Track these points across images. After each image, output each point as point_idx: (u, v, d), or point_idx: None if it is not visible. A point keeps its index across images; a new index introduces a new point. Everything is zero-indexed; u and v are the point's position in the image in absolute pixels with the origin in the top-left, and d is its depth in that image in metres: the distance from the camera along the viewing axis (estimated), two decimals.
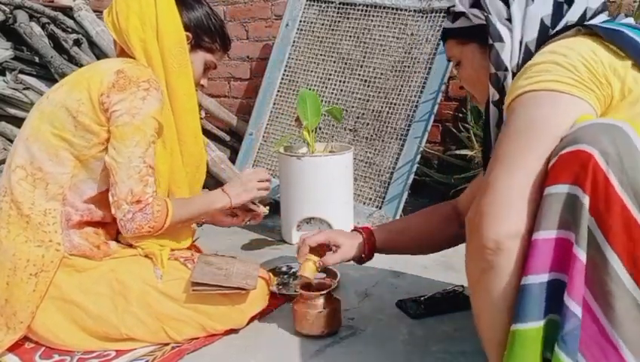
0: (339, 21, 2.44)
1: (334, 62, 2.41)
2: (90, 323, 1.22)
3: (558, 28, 0.93)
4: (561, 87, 0.82)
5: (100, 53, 2.92)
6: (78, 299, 1.22)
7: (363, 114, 2.28)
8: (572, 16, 0.93)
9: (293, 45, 2.51)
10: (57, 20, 3.00)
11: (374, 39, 2.34)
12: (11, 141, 2.82)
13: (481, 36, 1.01)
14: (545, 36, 0.94)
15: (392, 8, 2.32)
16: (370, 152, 2.21)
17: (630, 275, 0.73)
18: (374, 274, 1.64)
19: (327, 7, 2.47)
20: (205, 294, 1.25)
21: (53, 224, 1.22)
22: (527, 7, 0.95)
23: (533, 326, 0.77)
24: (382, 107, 2.23)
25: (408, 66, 2.23)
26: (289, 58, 2.50)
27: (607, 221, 0.72)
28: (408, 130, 2.13)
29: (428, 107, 2.11)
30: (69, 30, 3.00)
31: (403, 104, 2.19)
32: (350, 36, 2.39)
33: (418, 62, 2.21)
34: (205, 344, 1.26)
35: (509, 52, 0.96)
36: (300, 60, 2.48)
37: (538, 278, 0.76)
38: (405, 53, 2.25)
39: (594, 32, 0.85)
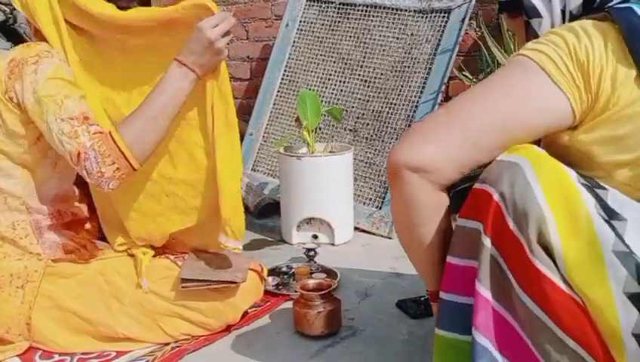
0: (339, 21, 2.44)
1: (334, 62, 2.41)
2: (87, 327, 1.23)
3: None
4: (553, 72, 0.80)
5: None
6: (71, 306, 1.22)
7: (363, 114, 2.28)
8: None
9: (293, 45, 2.51)
10: None
11: (374, 39, 2.34)
12: None
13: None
14: (591, 2, 0.90)
15: (392, 8, 2.32)
16: (370, 152, 2.21)
17: (528, 295, 0.76)
18: (374, 274, 1.64)
19: (327, 7, 2.47)
20: (195, 290, 1.24)
21: (26, 236, 1.21)
22: None
23: (451, 336, 0.85)
24: (382, 107, 2.23)
25: (408, 66, 2.23)
26: (289, 58, 2.50)
27: (505, 251, 0.77)
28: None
29: (428, 107, 2.11)
30: None
31: (403, 104, 2.19)
32: (350, 36, 2.39)
33: (418, 62, 2.21)
34: (205, 344, 1.27)
35: (548, 26, 0.92)
36: (300, 60, 2.48)
37: (452, 297, 0.84)
38: (405, 53, 2.25)
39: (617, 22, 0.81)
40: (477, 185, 0.81)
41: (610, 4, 0.87)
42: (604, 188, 0.79)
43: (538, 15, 0.93)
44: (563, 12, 0.92)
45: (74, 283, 1.23)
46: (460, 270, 0.83)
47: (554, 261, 0.74)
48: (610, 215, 0.76)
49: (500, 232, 0.77)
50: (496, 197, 0.77)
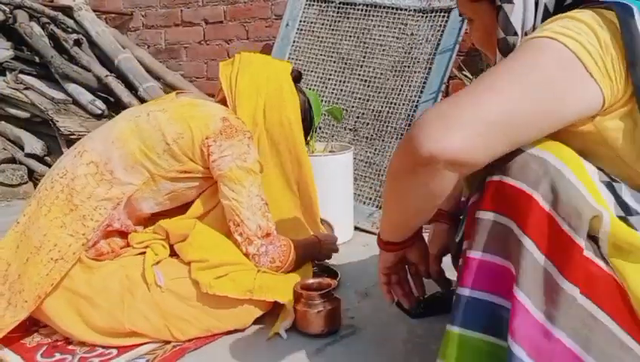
0: (339, 21, 2.44)
1: (334, 62, 2.41)
2: (95, 318, 1.23)
3: None
4: (588, 63, 0.75)
5: (100, 53, 2.93)
6: (86, 292, 1.23)
7: (363, 114, 2.28)
8: None
9: (293, 45, 2.51)
10: (57, 20, 3.01)
11: (374, 39, 2.34)
12: (11, 141, 2.82)
13: None
14: None
15: (392, 8, 2.33)
16: (370, 152, 2.21)
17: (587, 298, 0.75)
18: (374, 273, 1.64)
19: (327, 7, 2.48)
20: (217, 295, 1.25)
21: (96, 221, 1.26)
22: None
23: (469, 335, 0.80)
24: (382, 107, 2.24)
25: (408, 66, 2.23)
26: (289, 58, 2.50)
27: (560, 257, 0.74)
28: (408, 130, 2.13)
29: (428, 107, 2.11)
30: (69, 30, 3.00)
31: (403, 104, 2.19)
32: (350, 36, 2.40)
33: (418, 62, 2.21)
34: (206, 343, 1.27)
35: (520, 13, 0.87)
36: (300, 60, 2.49)
37: (475, 293, 0.79)
38: (405, 53, 2.26)
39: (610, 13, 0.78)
40: (508, 181, 0.76)
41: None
42: (618, 182, 0.80)
43: (511, 1, 0.86)
44: (536, 2, 0.87)
45: (97, 274, 1.25)
46: (488, 266, 0.79)
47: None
48: (627, 210, 0.77)
49: (551, 238, 0.74)
50: (540, 201, 0.74)
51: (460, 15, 1.10)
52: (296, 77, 1.56)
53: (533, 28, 0.88)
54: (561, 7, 0.86)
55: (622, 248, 0.76)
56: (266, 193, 1.40)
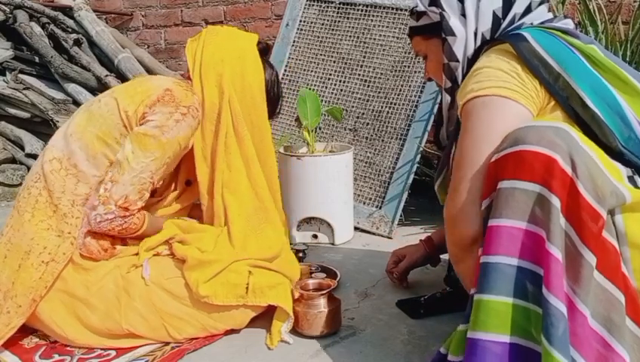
0: (339, 21, 2.44)
1: (334, 62, 2.41)
2: (92, 320, 1.23)
3: (508, 18, 1.06)
4: (508, 94, 0.93)
5: (100, 53, 2.93)
6: (82, 294, 1.22)
7: (363, 114, 2.28)
8: (519, 8, 1.05)
9: (293, 45, 2.51)
10: (57, 20, 3.01)
11: (374, 39, 2.34)
12: (11, 141, 2.82)
13: (441, 31, 1.11)
14: (497, 25, 1.06)
15: (392, 8, 2.32)
16: (370, 152, 2.21)
17: (600, 273, 0.80)
18: (374, 274, 1.64)
19: (327, 7, 2.47)
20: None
21: (77, 218, 1.24)
22: (480, 2, 1.07)
23: (499, 299, 0.82)
24: (382, 107, 2.23)
25: (408, 66, 2.23)
26: (289, 58, 2.50)
27: (580, 221, 0.78)
28: (408, 130, 2.13)
29: (428, 107, 2.11)
30: (69, 30, 3.00)
31: (403, 104, 2.19)
32: (350, 36, 2.39)
33: (418, 62, 2.21)
34: (205, 344, 1.26)
35: (462, 44, 1.07)
36: (300, 60, 2.48)
37: (506, 260, 0.82)
38: (405, 53, 2.25)
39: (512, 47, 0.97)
40: (524, 147, 0.82)
41: (509, 30, 1.05)
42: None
43: (453, 34, 1.07)
44: (475, 33, 1.08)
45: (92, 275, 1.24)
46: (507, 230, 0.82)
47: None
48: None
49: (572, 204, 0.78)
50: (562, 163, 0.79)
51: (416, 55, 1.29)
52: (263, 49, 1.50)
53: (474, 53, 1.07)
54: (493, 35, 1.06)
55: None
56: (237, 159, 1.39)
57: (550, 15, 1.08)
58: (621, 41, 1.84)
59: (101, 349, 1.25)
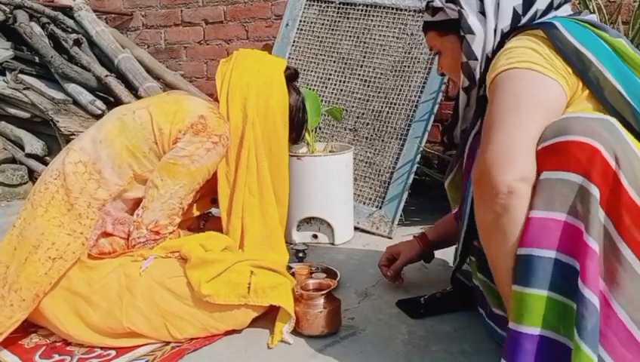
0: (339, 21, 2.44)
1: (334, 62, 2.41)
2: (94, 318, 1.23)
3: (529, 14, 1.03)
4: (540, 69, 0.91)
5: (100, 53, 2.93)
6: (84, 291, 1.23)
7: (363, 114, 2.28)
8: (541, 4, 1.04)
9: (293, 45, 2.51)
10: (57, 20, 3.01)
11: (374, 39, 2.33)
12: (11, 141, 2.82)
13: (458, 28, 1.09)
14: (517, 22, 1.05)
15: (392, 8, 2.32)
16: (370, 152, 2.21)
17: None
18: (374, 274, 1.64)
19: (327, 7, 2.47)
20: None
21: (92, 219, 1.26)
22: (500, 0, 1.05)
23: (537, 293, 0.80)
24: (382, 107, 2.23)
25: (408, 66, 2.22)
26: (289, 58, 2.50)
27: (619, 215, 0.76)
28: (408, 130, 2.13)
29: (428, 107, 2.11)
30: (69, 30, 3.00)
31: (403, 104, 2.19)
32: (350, 36, 2.39)
33: (418, 62, 2.21)
34: (206, 344, 1.26)
35: (481, 42, 1.06)
36: (300, 60, 2.48)
37: (544, 252, 0.80)
38: (405, 53, 2.25)
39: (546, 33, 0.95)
40: (568, 138, 0.80)
41: (536, 21, 1.03)
42: None
43: (472, 32, 1.06)
44: (495, 30, 1.06)
45: (95, 273, 1.25)
46: (544, 222, 0.81)
47: None
48: None
49: (613, 197, 0.76)
50: (605, 154, 0.77)
51: (430, 49, 1.26)
52: (291, 75, 1.54)
53: (493, 50, 1.05)
54: (514, 30, 1.04)
55: None
56: (255, 184, 1.41)
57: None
58: None
59: (101, 349, 1.25)
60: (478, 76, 1.08)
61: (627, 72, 0.91)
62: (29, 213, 1.27)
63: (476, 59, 1.07)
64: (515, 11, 1.04)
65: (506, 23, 1.05)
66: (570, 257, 0.79)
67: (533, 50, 0.93)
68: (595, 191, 0.77)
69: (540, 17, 1.04)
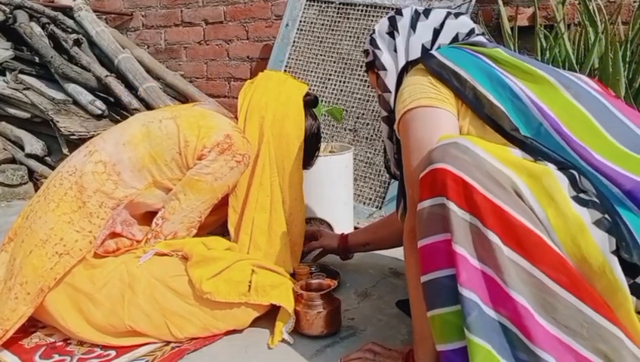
0: (339, 21, 2.44)
1: (334, 62, 2.41)
2: (96, 316, 1.23)
3: (434, 49, 1.14)
4: (431, 102, 1.00)
5: (100, 53, 2.93)
6: (88, 289, 1.24)
7: (363, 114, 2.28)
8: (443, 39, 1.14)
9: (293, 45, 2.51)
10: (57, 20, 3.01)
11: None
12: (11, 141, 2.82)
13: None
14: None
15: (392, 8, 2.32)
16: (370, 152, 2.21)
17: (507, 246, 0.85)
18: (374, 274, 1.64)
19: (327, 7, 2.48)
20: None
21: (102, 219, 1.28)
22: (410, 38, 1.16)
23: (441, 312, 0.90)
24: None
25: None
26: (289, 58, 2.50)
27: (478, 210, 0.85)
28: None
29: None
30: (69, 30, 3.00)
31: None
32: (350, 36, 2.39)
33: None
34: (206, 344, 1.27)
35: (393, 76, 1.17)
36: (300, 60, 2.48)
37: (432, 275, 0.91)
38: None
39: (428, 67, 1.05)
40: (427, 170, 0.90)
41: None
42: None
43: (385, 68, 1.18)
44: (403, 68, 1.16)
45: (99, 272, 1.26)
46: (433, 246, 0.90)
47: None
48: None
49: (470, 199, 0.86)
50: (451, 169, 0.87)
51: (374, 89, 1.33)
52: (310, 101, 1.56)
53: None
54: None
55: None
56: (267, 199, 1.43)
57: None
58: (621, 41, 1.84)
59: (101, 349, 1.25)
60: (393, 106, 1.16)
61: (499, 76, 1.00)
62: (41, 206, 1.29)
63: (389, 92, 1.18)
64: (423, 47, 1.14)
65: (416, 57, 1.15)
66: (451, 268, 0.88)
67: (419, 84, 1.03)
68: (452, 206, 0.86)
69: None
